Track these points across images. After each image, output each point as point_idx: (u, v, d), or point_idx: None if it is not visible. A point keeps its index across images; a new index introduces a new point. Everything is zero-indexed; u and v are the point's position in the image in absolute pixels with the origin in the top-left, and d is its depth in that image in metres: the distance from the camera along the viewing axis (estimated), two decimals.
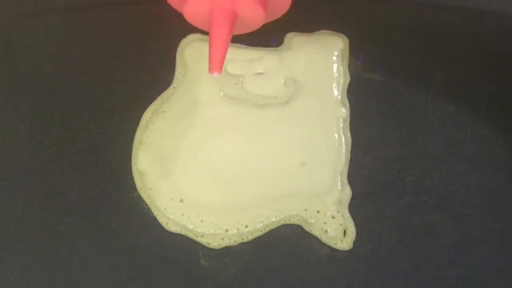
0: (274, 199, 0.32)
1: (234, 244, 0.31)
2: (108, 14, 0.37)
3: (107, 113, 0.35)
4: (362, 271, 0.31)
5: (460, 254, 0.31)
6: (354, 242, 0.31)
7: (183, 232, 0.31)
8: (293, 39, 0.36)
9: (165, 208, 0.32)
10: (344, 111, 0.34)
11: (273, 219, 0.32)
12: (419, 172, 0.33)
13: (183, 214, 0.32)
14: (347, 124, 0.34)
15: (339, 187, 0.33)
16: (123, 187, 0.33)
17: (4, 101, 0.35)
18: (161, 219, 0.32)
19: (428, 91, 0.35)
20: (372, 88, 0.35)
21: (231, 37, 0.30)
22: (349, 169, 0.33)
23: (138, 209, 0.32)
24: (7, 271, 0.31)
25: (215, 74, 0.29)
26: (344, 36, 0.37)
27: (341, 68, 0.36)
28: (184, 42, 0.36)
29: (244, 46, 0.36)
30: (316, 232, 0.32)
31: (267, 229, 0.32)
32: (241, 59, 0.36)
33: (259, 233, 0.32)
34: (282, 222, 0.32)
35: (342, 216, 0.32)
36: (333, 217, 0.32)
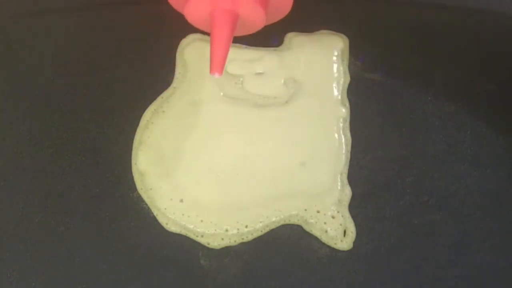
0: (274, 199, 0.32)
1: (234, 244, 0.31)
2: (108, 14, 0.37)
3: (107, 113, 0.35)
4: (362, 271, 0.31)
5: (460, 254, 0.31)
6: (354, 242, 0.31)
7: (183, 232, 0.31)
8: (293, 39, 0.36)
9: (165, 208, 0.32)
10: (344, 111, 0.34)
11: (273, 219, 0.32)
12: (419, 172, 0.33)
13: (183, 214, 0.32)
14: (347, 124, 0.34)
15: (339, 187, 0.33)
16: (123, 187, 0.33)
17: (4, 101, 0.35)
18: (161, 219, 0.32)
19: (428, 91, 0.35)
20: (372, 88, 0.35)
21: (232, 38, 0.30)
22: (349, 169, 0.33)
23: (138, 209, 0.32)
24: (7, 271, 0.31)
25: (216, 76, 0.29)
26: (344, 36, 0.37)
27: (341, 68, 0.36)
28: (184, 42, 0.36)
29: (244, 46, 0.36)
30: (316, 232, 0.32)
31: (267, 229, 0.32)
32: (241, 59, 0.36)
33: (259, 233, 0.32)
34: (282, 222, 0.32)
35: (342, 216, 0.32)
36: (333, 217, 0.32)
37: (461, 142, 0.34)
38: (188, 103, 0.35)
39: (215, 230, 0.31)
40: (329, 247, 0.31)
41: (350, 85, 0.35)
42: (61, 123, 0.34)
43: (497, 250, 0.31)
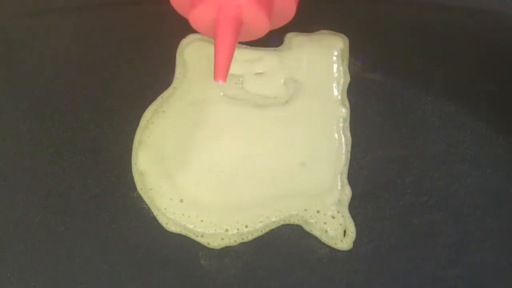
0: (274, 199, 0.32)
1: (234, 244, 0.31)
2: (108, 14, 0.37)
3: (107, 113, 0.34)
4: (362, 271, 0.31)
5: (460, 254, 0.31)
6: (354, 242, 0.31)
7: (183, 232, 0.31)
8: (293, 39, 0.36)
9: (165, 208, 0.32)
10: (344, 111, 0.34)
11: (273, 219, 0.32)
12: (419, 172, 0.33)
13: (183, 214, 0.32)
14: (347, 124, 0.34)
15: (339, 187, 0.33)
16: (123, 187, 0.33)
17: (4, 101, 0.35)
18: (161, 219, 0.32)
19: (428, 91, 0.35)
20: (372, 88, 0.35)
21: (236, 46, 0.30)
22: (349, 169, 0.33)
23: (138, 209, 0.32)
24: (7, 271, 0.31)
25: (220, 82, 0.29)
26: (344, 36, 0.37)
27: (341, 68, 0.36)
28: (184, 42, 0.37)
29: (244, 46, 0.36)
30: (316, 232, 0.32)
31: (267, 229, 0.32)
32: (241, 59, 0.36)
33: (259, 233, 0.32)
34: (282, 222, 0.32)
35: (342, 216, 0.32)
36: (333, 217, 0.32)
37: (461, 142, 0.34)
38: (188, 103, 0.35)
39: (215, 230, 0.31)
40: (329, 247, 0.31)
41: (350, 85, 0.35)
42: (61, 123, 0.34)
43: (497, 250, 0.31)
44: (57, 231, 0.31)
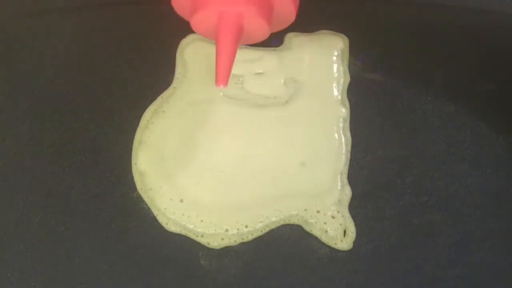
0: (274, 199, 0.32)
1: (234, 244, 0.31)
2: (108, 14, 0.37)
3: (107, 113, 0.35)
4: (362, 271, 0.31)
5: (460, 254, 0.31)
6: (354, 242, 0.31)
7: (183, 232, 0.31)
8: (293, 39, 0.36)
9: (165, 208, 0.32)
10: (344, 111, 0.34)
11: (273, 219, 0.32)
12: (419, 172, 0.33)
13: (183, 214, 0.32)
14: (347, 124, 0.34)
15: (339, 187, 0.33)
16: (123, 187, 0.33)
17: (4, 101, 0.35)
18: (161, 219, 0.32)
19: (428, 91, 0.35)
20: (372, 88, 0.35)
21: (236, 51, 0.31)
22: (349, 169, 0.33)
23: (138, 209, 0.32)
24: (7, 271, 0.31)
25: (221, 87, 0.30)
26: (344, 36, 0.37)
27: (341, 68, 0.36)
28: (184, 42, 0.37)
29: (244, 46, 0.36)
30: (316, 232, 0.32)
31: (267, 229, 0.32)
32: (241, 59, 0.35)
33: (259, 233, 0.32)
34: (282, 222, 0.32)
35: (342, 216, 0.32)
36: (333, 217, 0.32)
37: (461, 142, 0.34)
38: (188, 103, 0.35)
39: (215, 230, 0.31)
40: (329, 247, 0.31)
41: (350, 85, 0.35)
42: (61, 123, 0.34)
43: (497, 250, 0.31)
44: (57, 231, 0.31)
